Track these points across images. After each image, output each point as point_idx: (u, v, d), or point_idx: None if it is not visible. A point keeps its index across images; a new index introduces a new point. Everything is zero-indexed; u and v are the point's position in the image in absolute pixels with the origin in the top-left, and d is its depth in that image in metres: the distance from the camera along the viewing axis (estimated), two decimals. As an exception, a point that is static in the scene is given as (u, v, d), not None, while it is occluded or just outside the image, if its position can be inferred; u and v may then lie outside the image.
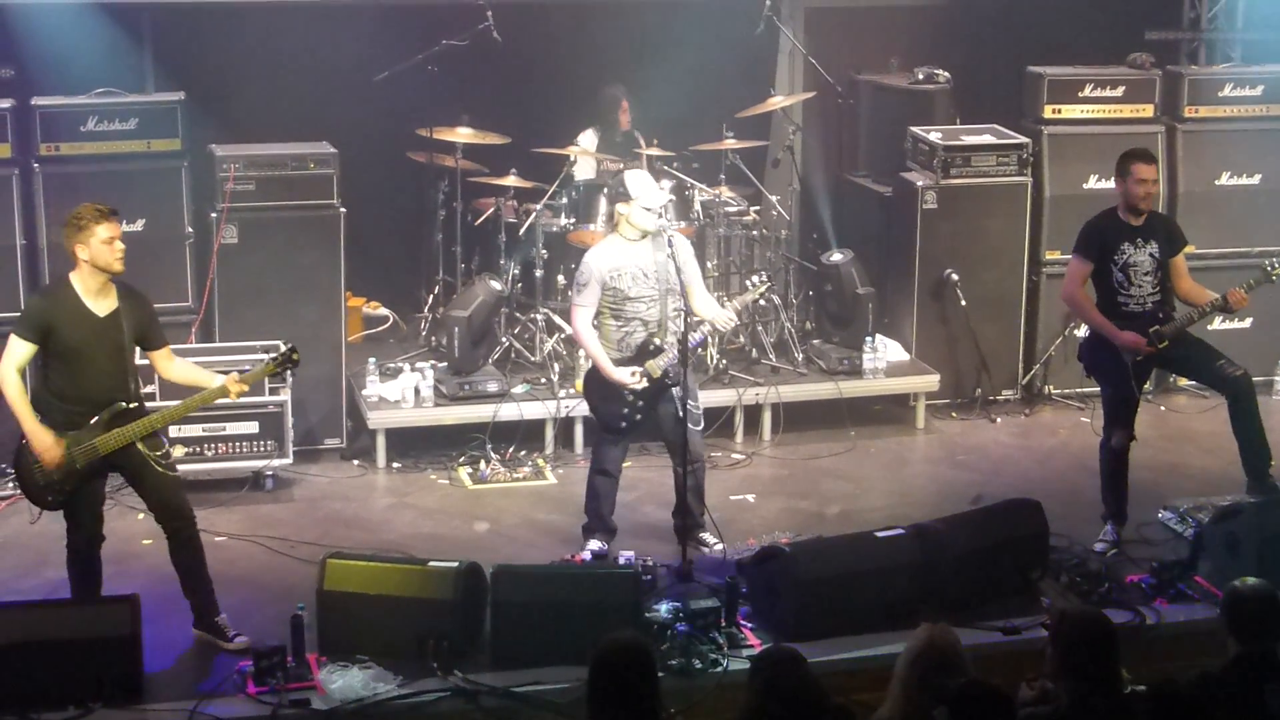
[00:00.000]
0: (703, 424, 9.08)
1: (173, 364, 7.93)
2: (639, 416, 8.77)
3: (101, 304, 7.60)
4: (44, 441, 7.49)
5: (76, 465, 7.57)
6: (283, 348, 7.97)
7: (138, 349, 7.77)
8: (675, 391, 8.66)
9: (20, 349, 7.56)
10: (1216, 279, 9.71)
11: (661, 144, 11.34)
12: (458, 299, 10.84)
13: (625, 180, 8.86)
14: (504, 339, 10.94)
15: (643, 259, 8.72)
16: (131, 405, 7.67)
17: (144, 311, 7.77)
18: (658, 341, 8.71)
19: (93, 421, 7.57)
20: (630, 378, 8.66)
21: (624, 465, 9.14)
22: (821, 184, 12.28)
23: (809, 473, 10.31)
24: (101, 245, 7.50)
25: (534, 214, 10.92)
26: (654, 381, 8.69)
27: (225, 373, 7.97)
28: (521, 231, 11.00)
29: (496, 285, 10.81)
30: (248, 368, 8.44)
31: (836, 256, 11.39)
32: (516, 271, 11.09)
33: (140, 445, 7.64)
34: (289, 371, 8.30)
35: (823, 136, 12.70)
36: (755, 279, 9.37)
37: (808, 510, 9.67)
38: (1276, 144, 11.84)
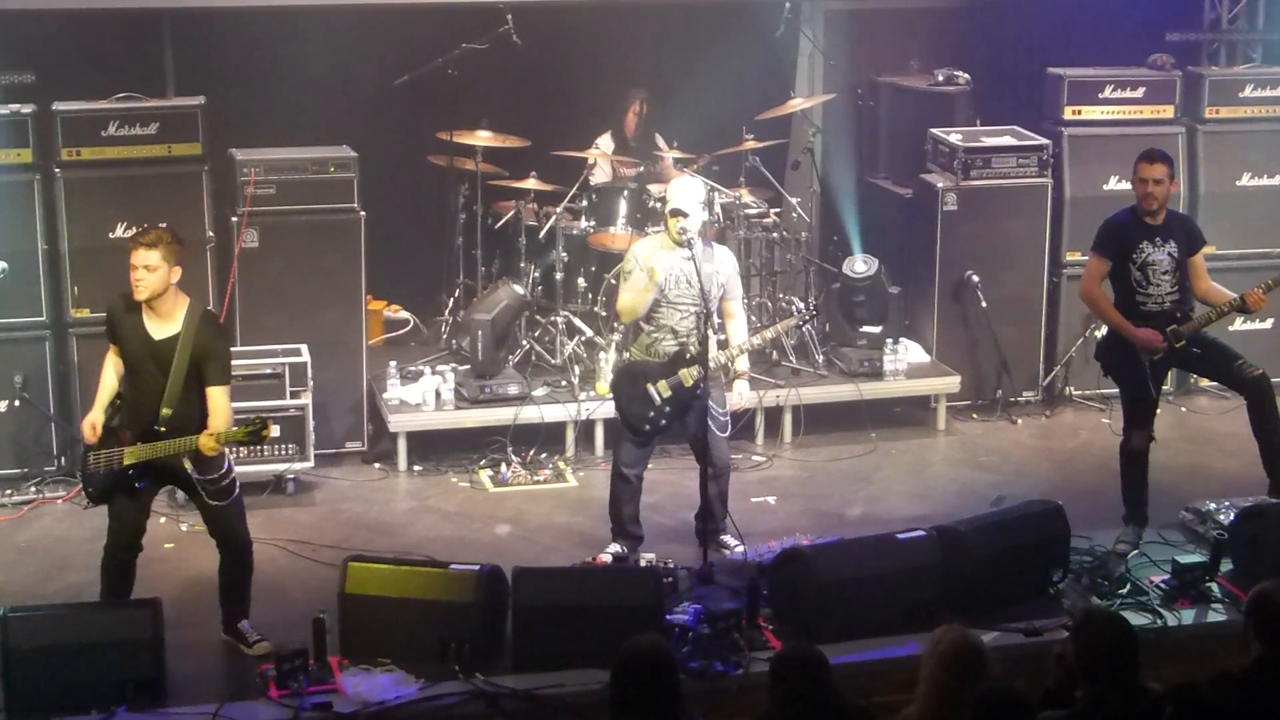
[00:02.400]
0: (729, 430, 9.07)
1: (213, 406, 7.61)
2: (664, 422, 8.74)
3: (161, 326, 7.59)
4: (89, 419, 7.67)
5: (99, 468, 7.61)
6: (257, 421, 7.59)
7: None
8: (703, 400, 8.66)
9: (110, 348, 7.78)
10: (1238, 280, 9.67)
11: (681, 146, 11.35)
12: (480, 302, 10.84)
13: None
14: (524, 342, 10.96)
15: (689, 266, 8.66)
16: (162, 428, 7.54)
17: (205, 344, 7.57)
18: (693, 350, 8.66)
19: (129, 434, 7.60)
20: None
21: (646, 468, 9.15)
22: (842, 186, 12.25)
23: (830, 475, 10.31)
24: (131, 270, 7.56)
25: (554, 217, 10.93)
26: (686, 390, 8.68)
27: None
28: (542, 235, 11.00)
29: (519, 289, 10.82)
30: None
31: (861, 266, 11.29)
32: (537, 275, 11.10)
33: (189, 468, 7.64)
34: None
35: (843, 138, 12.68)
36: (802, 306, 9.28)
37: (828, 512, 9.67)
38: (1298, 145, 11.82)
